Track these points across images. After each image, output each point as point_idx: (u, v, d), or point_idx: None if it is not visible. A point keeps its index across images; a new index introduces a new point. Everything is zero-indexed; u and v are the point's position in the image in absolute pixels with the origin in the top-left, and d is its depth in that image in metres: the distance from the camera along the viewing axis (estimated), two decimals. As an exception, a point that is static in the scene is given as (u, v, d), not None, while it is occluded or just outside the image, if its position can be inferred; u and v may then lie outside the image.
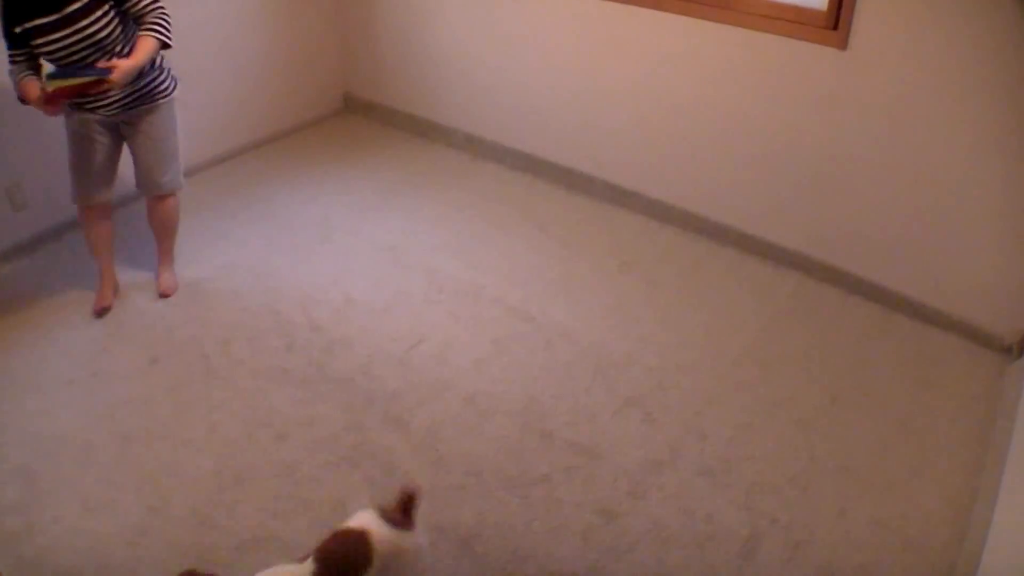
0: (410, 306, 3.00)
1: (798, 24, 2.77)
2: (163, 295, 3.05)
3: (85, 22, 2.48)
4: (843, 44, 2.69)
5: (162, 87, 2.76)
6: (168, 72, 2.81)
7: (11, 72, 2.60)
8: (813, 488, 2.29)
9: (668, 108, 3.26)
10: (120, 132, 2.80)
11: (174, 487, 2.27)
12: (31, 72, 2.57)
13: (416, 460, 2.37)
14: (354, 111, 4.47)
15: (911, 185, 2.76)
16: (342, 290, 3.07)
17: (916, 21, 2.53)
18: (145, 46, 2.57)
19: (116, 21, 2.55)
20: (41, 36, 2.49)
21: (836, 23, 2.67)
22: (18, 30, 2.49)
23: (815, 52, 2.77)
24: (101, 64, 2.51)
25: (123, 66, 2.50)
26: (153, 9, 2.59)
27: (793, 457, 2.39)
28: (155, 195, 2.93)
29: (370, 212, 3.58)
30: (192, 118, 3.74)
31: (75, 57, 2.57)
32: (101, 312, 2.94)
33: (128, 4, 2.56)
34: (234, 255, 3.28)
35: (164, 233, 3.06)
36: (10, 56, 2.59)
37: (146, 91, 2.71)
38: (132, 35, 2.65)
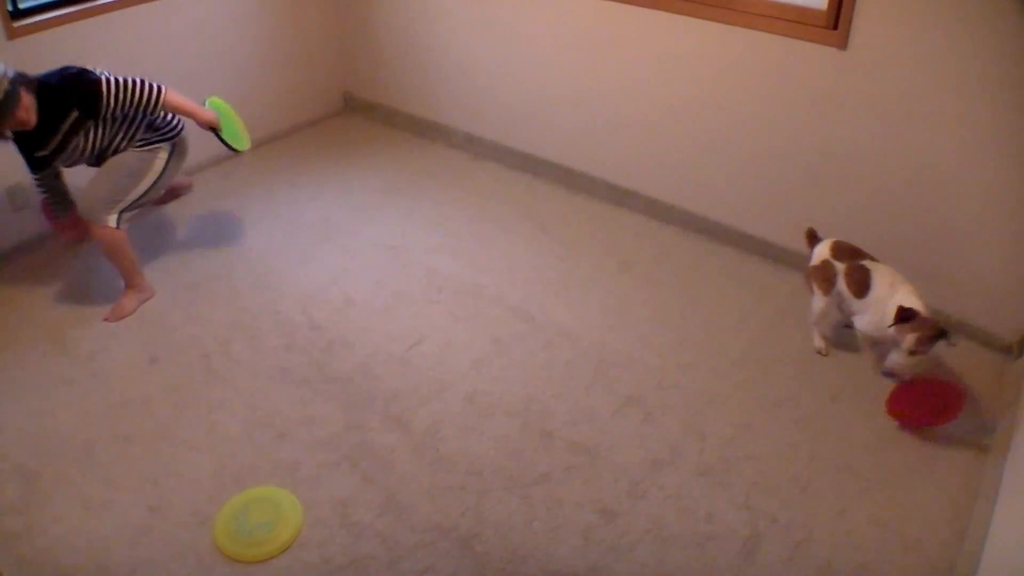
0: (410, 306, 3.00)
1: (798, 24, 2.77)
2: (105, 319, 2.89)
3: (74, 143, 2.69)
4: (843, 44, 2.69)
5: (140, 139, 2.83)
6: (155, 129, 2.86)
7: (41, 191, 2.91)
8: (813, 488, 2.29)
9: (668, 108, 3.26)
10: None
11: (174, 487, 2.28)
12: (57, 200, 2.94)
13: (416, 460, 2.37)
14: (354, 111, 4.47)
15: (911, 185, 2.76)
16: (342, 290, 3.07)
17: (916, 21, 2.53)
18: (177, 99, 2.77)
19: (101, 133, 2.71)
20: (52, 162, 2.76)
21: (836, 23, 2.67)
22: (38, 155, 2.72)
23: (815, 52, 2.77)
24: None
25: (210, 118, 2.85)
26: (138, 91, 2.68)
27: (793, 457, 2.39)
28: (82, 218, 2.84)
29: (370, 212, 3.58)
30: (192, 118, 3.74)
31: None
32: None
33: (108, 111, 2.66)
34: (234, 255, 3.28)
35: (108, 262, 2.94)
36: (36, 180, 2.89)
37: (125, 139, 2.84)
38: (122, 133, 2.77)
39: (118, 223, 2.81)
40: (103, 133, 2.71)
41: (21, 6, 3.01)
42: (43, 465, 2.34)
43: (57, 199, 2.93)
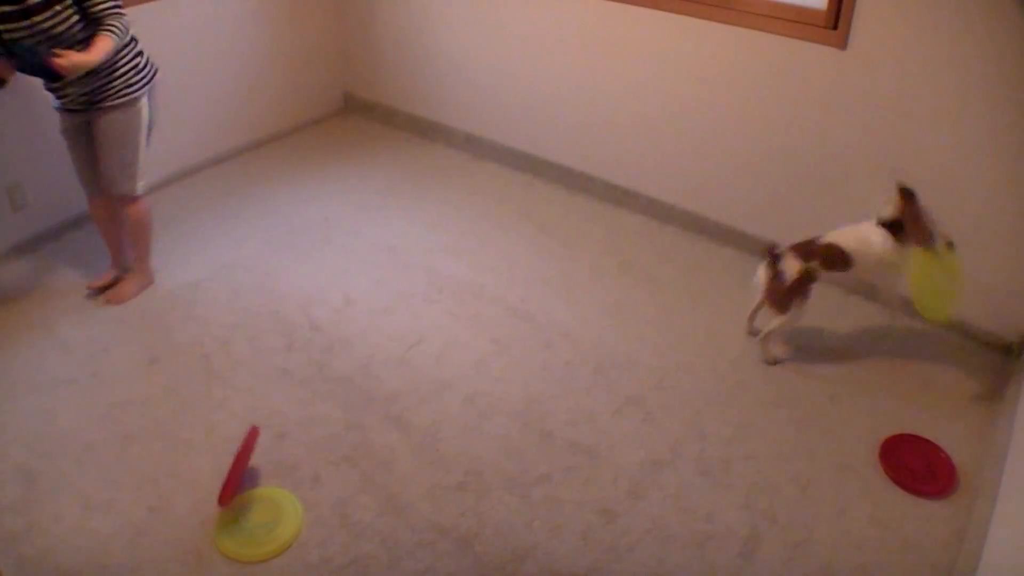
0: (410, 306, 3.00)
1: (798, 24, 2.77)
2: (107, 301, 2.97)
3: (43, 15, 2.48)
4: (843, 44, 2.69)
5: (121, 89, 2.70)
6: (137, 72, 2.73)
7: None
8: (813, 488, 2.29)
9: (668, 108, 3.26)
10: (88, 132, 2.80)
11: (174, 487, 2.28)
12: None
13: (416, 460, 2.37)
14: (354, 111, 4.47)
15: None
16: (342, 290, 3.07)
17: (915, 21, 2.53)
18: (100, 44, 2.54)
19: (75, 19, 2.54)
20: (2, 24, 2.49)
21: (836, 23, 2.68)
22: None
23: (814, 52, 2.77)
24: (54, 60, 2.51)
25: (73, 58, 2.48)
26: (109, 11, 2.58)
27: (793, 457, 2.39)
28: (114, 196, 2.87)
29: (370, 212, 3.58)
30: (193, 118, 3.76)
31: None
32: (91, 290, 2.97)
33: (87, 4, 2.54)
34: (234, 255, 3.28)
35: (128, 238, 3.00)
36: None
37: (104, 90, 2.67)
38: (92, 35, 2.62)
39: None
40: (74, 17, 2.53)
41: (20, 6, 2.99)
42: (43, 465, 2.34)
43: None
